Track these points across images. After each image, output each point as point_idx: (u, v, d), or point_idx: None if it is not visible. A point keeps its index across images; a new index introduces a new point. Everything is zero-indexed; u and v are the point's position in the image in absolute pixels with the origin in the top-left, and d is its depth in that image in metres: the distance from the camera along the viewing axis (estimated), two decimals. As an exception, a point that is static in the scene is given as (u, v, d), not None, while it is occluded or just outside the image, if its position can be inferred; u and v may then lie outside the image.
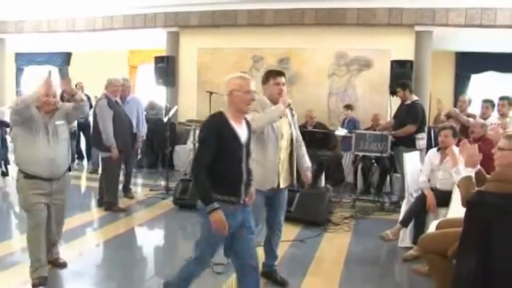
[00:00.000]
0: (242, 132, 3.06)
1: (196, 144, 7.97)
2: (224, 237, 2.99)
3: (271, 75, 3.87)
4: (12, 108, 3.70)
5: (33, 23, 10.90)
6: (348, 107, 8.47)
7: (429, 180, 5.04)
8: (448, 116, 6.84)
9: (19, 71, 14.69)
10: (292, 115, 3.98)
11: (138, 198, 7.05)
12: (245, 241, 3.09)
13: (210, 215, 2.86)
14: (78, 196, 6.87)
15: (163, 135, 7.81)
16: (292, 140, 3.83)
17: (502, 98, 6.28)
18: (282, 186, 3.81)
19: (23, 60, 14.60)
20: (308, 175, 4.00)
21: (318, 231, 5.45)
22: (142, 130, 6.92)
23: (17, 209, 6.57)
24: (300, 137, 4.02)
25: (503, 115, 6.17)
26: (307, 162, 4.00)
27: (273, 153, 3.68)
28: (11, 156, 8.02)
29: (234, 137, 2.99)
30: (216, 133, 2.92)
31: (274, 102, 3.75)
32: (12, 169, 8.14)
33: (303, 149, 4.02)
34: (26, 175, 3.73)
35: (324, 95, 9.03)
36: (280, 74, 3.91)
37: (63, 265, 4.20)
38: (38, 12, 10.56)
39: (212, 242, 3.07)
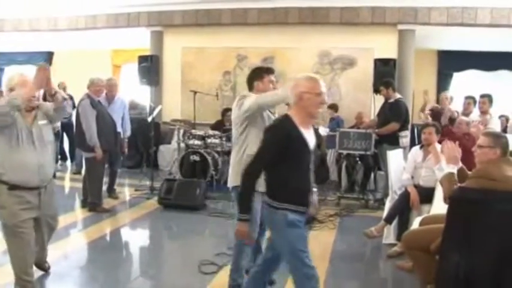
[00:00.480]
0: (311, 139, 2.87)
1: (181, 144, 8.02)
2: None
3: (267, 72, 3.80)
4: None
5: (13, 21, 10.74)
6: (331, 107, 8.53)
7: (412, 178, 5.10)
8: (432, 111, 6.97)
9: (-1, 70, 14.49)
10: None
11: (122, 199, 7.00)
12: None
13: (240, 222, 2.75)
14: (62, 197, 6.78)
15: (147, 134, 7.77)
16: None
17: (482, 96, 6.38)
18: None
19: (3, 59, 14.38)
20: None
21: (303, 229, 5.46)
22: (127, 131, 6.87)
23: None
24: None
25: (484, 112, 6.27)
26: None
27: None
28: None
29: (303, 143, 2.77)
30: (284, 137, 2.69)
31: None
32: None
33: None
34: (11, 186, 3.29)
35: (308, 93, 9.05)
36: (273, 71, 3.91)
37: (48, 268, 4.11)
38: (18, 10, 10.41)
39: (297, 250, 2.76)
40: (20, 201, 3.32)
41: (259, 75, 3.74)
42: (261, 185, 2.92)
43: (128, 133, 6.92)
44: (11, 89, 3.36)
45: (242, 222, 2.75)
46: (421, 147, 5.11)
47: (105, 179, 6.61)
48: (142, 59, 9.31)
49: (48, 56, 14.04)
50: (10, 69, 14.52)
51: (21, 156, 3.29)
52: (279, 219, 2.74)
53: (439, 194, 4.37)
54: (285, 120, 2.78)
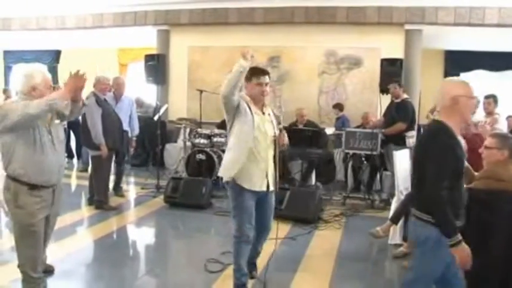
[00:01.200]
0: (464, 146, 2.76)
1: (188, 143, 8.04)
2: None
3: (255, 73, 3.60)
4: (26, 113, 3.08)
5: (21, 20, 10.81)
6: (336, 106, 8.51)
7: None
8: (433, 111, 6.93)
9: (7, 68, 14.56)
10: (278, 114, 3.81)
11: (129, 197, 7.04)
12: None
13: (454, 247, 2.41)
14: (69, 195, 6.81)
15: (153, 133, 7.79)
16: (275, 141, 3.64)
17: (487, 97, 6.35)
18: (272, 188, 3.66)
19: (12, 58, 14.47)
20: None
21: (309, 229, 5.47)
22: (135, 129, 6.90)
23: (6, 207, 6.52)
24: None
25: (489, 113, 6.24)
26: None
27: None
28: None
29: (463, 154, 2.58)
30: (452, 150, 2.47)
31: (256, 102, 3.60)
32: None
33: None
34: (31, 186, 3.28)
35: (314, 93, 9.05)
36: (264, 73, 3.65)
37: (52, 271, 4.07)
38: (26, 9, 10.47)
39: (428, 279, 2.64)
40: (38, 201, 3.32)
41: (248, 77, 3.58)
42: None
43: (136, 132, 6.93)
44: (33, 88, 3.31)
45: (460, 245, 2.42)
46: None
47: (112, 177, 6.65)
48: (149, 57, 9.34)
49: (56, 55, 14.13)
50: (18, 67, 14.62)
51: (44, 156, 3.29)
52: (432, 235, 2.50)
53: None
54: (445, 128, 2.53)
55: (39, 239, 3.42)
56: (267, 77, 3.62)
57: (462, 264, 2.46)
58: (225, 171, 3.58)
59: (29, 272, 3.42)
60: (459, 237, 2.40)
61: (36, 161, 3.25)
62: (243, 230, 3.57)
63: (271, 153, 3.63)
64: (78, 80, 3.27)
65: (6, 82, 13.97)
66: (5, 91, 9.70)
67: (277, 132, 3.68)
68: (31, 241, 3.38)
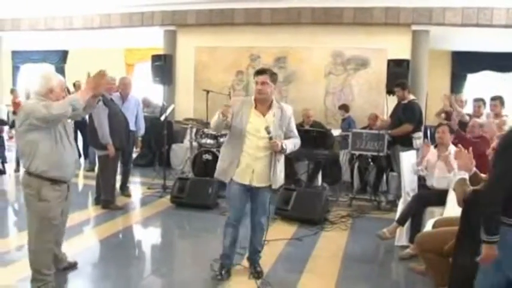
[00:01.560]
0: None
1: (194, 143, 8.05)
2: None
3: (255, 74, 3.85)
4: (50, 114, 3.28)
5: (30, 20, 10.88)
6: (342, 107, 8.50)
7: (425, 180, 5.09)
8: (445, 113, 6.92)
9: (15, 68, 14.67)
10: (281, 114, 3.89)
11: (135, 197, 7.06)
12: None
13: (488, 245, 2.50)
14: (76, 194, 6.80)
15: (160, 133, 7.80)
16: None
17: (494, 98, 6.34)
18: (256, 184, 3.86)
19: (20, 58, 14.58)
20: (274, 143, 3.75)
21: (315, 230, 5.46)
22: (141, 129, 6.92)
23: (16, 206, 6.59)
24: (293, 133, 4.02)
25: (497, 115, 6.22)
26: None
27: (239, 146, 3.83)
28: (8, 154, 8.01)
29: None
30: None
31: (261, 101, 3.83)
32: (10, 167, 8.15)
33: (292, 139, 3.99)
34: (53, 181, 3.47)
35: (320, 94, 9.04)
36: (259, 72, 3.83)
37: (75, 265, 4.15)
38: (35, 9, 10.54)
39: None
40: (58, 195, 3.54)
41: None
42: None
43: (142, 131, 6.97)
44: (51, 90, 3.48)
45: (493, 245, 2.50)
46: (435, 147, 5.09)
47: (118, 177, 6.68)
48: (156, 58, 9.36)
49: (63, 55, 14.23)
50: (26, 68, 14.73)
51: (62, 151, 3.49)
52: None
53: (452, 197, 4.35)
54: None
55: (57, 233, 3.63)
56: (262, 76, 3.77)
57: (485, 261, 2.53)
58: (221, 176, 4.00)
59: (43, 270, 3.53)
60: (498, 237, 2.47)
61: (57, 157, 3.46)
62: (230, 214, 4.01)
63: (263, 152, 3.81)
64: (100, 77, 3.47)
65: (14, 82, 14.07)
66: (13, 91, 9.74)
67: (279, 129, 3.85)
68: (50, 235, 3.56)
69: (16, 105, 8.93)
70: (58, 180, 3.50)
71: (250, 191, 3.93)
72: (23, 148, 3.45)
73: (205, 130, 7.81)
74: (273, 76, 3.83)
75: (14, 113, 8.82)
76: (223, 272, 4.01)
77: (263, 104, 3.82)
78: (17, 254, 4.55)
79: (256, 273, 4.09)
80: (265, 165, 3.83)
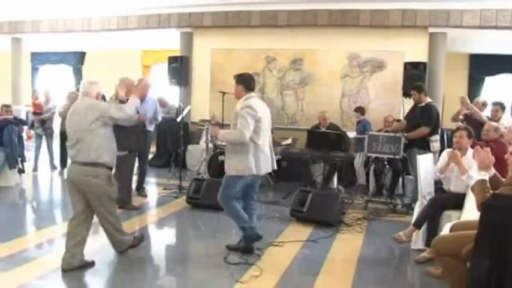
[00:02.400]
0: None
1: (210, 144, 8.09)
2: None
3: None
4: (126, 114, 4.11)
5: (49, 22, 11.05)
6: (358, 110, 8.46)
7: (442, 184, 5.05)
8: (464, 115, 6.85)
9: (34, 70, 14.90)
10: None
11: (151, 197, 7.12)
12: None
13: None
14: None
15: (176, 134, 7.86)
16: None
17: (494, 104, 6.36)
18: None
19: (39, 59, 14.81)
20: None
21: (330, 232, 5.45)
22: (158, 119, 7.05)
23: (35, 204, 6.69)
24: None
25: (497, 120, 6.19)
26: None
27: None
28: (27, 154, 8.13)
29: None
30: None
31: None
32: (28, 166, 8.27)
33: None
34: (110, 169, 4.18)
35: (336, 96, 9.02)
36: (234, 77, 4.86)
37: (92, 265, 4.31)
38: (54, 12, 10.70)
39: None
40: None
41: None
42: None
43: (159, 120, 7.11)
44: (99, 94, 4.24)
45: None
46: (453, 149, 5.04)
47: (134, 177, 6.75)
48: (172, 59, 9.42)
49: (81, 56, 14.42)
50: (44, 69, 14.95)
51: (114, 142, 4.20)
52: None
53: (470, 200, 4.32)
54: None
55: None
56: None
57: None
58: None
59: (118, 235, 4.39)
60: None
61: (113, 147, 4.17)
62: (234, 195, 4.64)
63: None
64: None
65: (33, 83, 14.28)
66: (34, 92, 9.91)
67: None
68: (114, 209, 4.35)
69: (36, 106, 9.08)
70: (111, 168, 4.22)
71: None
72: (90, 143, 3.94)
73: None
74: (239, 78, 4.95)
75: (35, 113, 8.98)
76: (247, 241, 4.66)
77: None
78: (35, 252, 4.63)
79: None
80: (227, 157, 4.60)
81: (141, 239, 4.77)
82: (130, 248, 4.53)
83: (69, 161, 4.27)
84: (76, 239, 4.09)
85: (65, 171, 8.62)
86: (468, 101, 6.82)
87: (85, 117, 3.93)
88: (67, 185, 4.19)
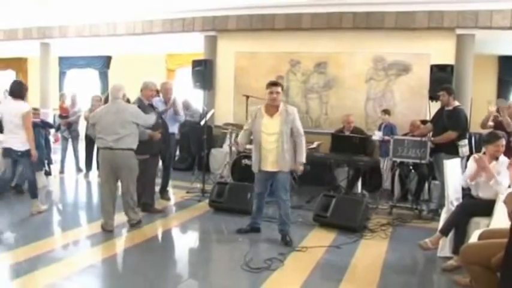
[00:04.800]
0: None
1: (233, 148, 8.08)
2: None
3: (269, 85, 5.09)
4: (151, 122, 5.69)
5: (76, 27, 11.24)
6: (386, 111, 8.31)
7: (469, 190, 4.92)
8: (493, 121, 6.63)
9: (62, 74, 15.17)
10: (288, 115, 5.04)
11: (174, 200, 7.15)
12: None
13: None
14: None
15: (200, 138, 7.87)
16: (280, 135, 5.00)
17: None
18: (271, 169, 5.10)
19: (66, 63, 15.09)
20: (298, 168, 5.15)
21: (354, 238, 5.37)
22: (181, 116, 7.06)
23: (61, 206, 6.79)
24: (298, 131, 5.10)
25: None
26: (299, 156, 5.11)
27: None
28: (53, 156, 8.26)
29: None
30: None
31: (271, 106, 5.07)
32: (55, 168, 8.41)
33: (299, 143, 5.11)
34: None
35: (361, 99, 8.91)
36: (275, 84, 5.13)
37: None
38: (81, 17, 10.89)
39: None
40: None
41: (266, 88, 5.12)
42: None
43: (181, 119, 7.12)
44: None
45: None
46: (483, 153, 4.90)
47: (158, 181, 6.78)
48: (196, 63, 9.43)
49: (107, 60, 14.63)
50: (71, 73, 15.23)
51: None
52: None
53: (500, 207, 4.19)
54: None
55: None
56: (275, 87, 5.06)
57: None
58: (253, 168, 5.32)
59: (134, 206, 5.57)
60: None
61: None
62: (256, 189, 5.41)
63: (272, 145, 5.04)
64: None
65: (61, 87, 14.55)
66: (61, 95, 10.08)
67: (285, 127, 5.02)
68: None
69: (63, 109, 9.24)
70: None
71: (270, 175, 5.16)
72: (126, 135, 5.26)
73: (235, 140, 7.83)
74: (282, 86, 5.30)
75: (61, 116, 9.14)
76: (247, 227, 5.50)
77: (272, 108, 5.07)
78: (62, 253, 4.70)
79: (286, 241, 5.09)
80: (275, 155, 5.04)
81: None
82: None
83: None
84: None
85: (90, 173, 8.76)
86: (498, 108, 6.59)
87: (121, 117, 5.25)
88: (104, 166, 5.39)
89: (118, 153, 5.27)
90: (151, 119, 5.63)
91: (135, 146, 5.38)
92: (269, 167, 5.11)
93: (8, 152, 5.87)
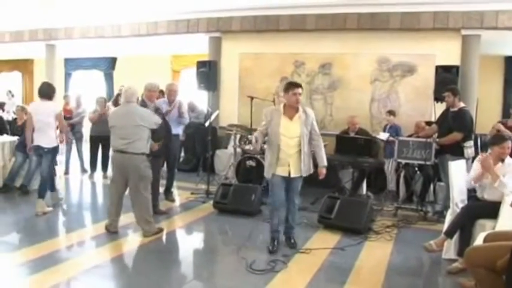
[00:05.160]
0: None
1: (238, 149, 8.09)
2: None
3: (291, 86, 4.78)
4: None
5: (81, 29, 11.27)
6: (391, 112, 8.28)
7: (475, 191, 4.89)
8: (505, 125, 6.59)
9: (67, 75, 15.23)
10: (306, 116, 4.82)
11: (178, 201, 7.15)
12: None
13: None
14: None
15: (204, 139, 7.88)
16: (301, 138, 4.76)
17: None
18: (292, 175, 4.82)
19: (71, 65, 15.14)
20: (322, 172, 4.95)
21: (359, 240, 5.35)
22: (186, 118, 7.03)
23: (65, 207, 6.82)
24: (317, 132, 4.93)
25: None
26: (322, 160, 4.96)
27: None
28: (59, 157, 8.27)
29: None
30: None
31: (290, 107, 4.79)
32: (60, 169, 8.43)
33: (319, 146, 4.95)
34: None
35: (366, 100, 8.88)
36: (297, 85, 4.82)
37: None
38: (86, 19, 10.92)
39: None
40: None
41: (286, 89, 4.83)
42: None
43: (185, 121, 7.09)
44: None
45: None
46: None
47: (162, 182, 6.79)
48: (201, 64, 9.46)
49: (112, 62, 14.67)
50: (77, 74, 15.29)
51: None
52: None
53: (505, 210, 4.17)
54: None
55: None
56: (299, 88, 4.77)
57: None
58: (267, 174, 4.97)
59: (147, 217, 5.33)
60: None
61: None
62: (273, 200, 4.99)
63: (294, 149, 4.78)
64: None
65: (66, 88, 14.61)
66: (65, 97, 10.12)
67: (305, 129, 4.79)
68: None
69: (67, 111, 9.27)
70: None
71: (287, 180, 4.86)
72: (137, 139, 5.17)
73: (249, 136, 7.82)
74: (302, 89, 4.90)
75: (65, 118, 9.15)
76: (275, 243, 4.94)
77: (291, 109, 4.80)
78: (67, 254, 4.72)
79: (291, 243, 5.02)
80: (297, 159, 4.80)
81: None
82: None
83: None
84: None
85: (95, 174, 8.79)
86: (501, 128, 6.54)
87: (132, 121, 5.19)
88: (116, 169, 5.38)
89: (128, 156, 5.20)
90: (157, 119, 5.50)
91: (146, 151, 5.30)
92: (292, 172, 4.80)
93: (36, 148, 6.29)
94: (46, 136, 6.20)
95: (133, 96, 5.41)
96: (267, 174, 4.89)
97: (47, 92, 6.28)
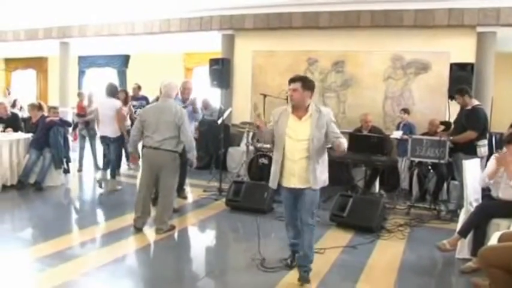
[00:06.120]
0: None
1: (250, 147, 8.09)
2: None
3: (289, 82, 4.08)
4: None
5: (95, 27, 11.37)
6: (405, 110, 8.21)
7: (489, 190, 4.84)
8: None
9: (81, 73, 15.37)
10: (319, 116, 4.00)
11: (191, 199, 7.18)
12: None
13: None
14: (132, 194, 7.05)
15: (217, 136, 7.90)
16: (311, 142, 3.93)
17: None
18: (297, 186, 4.01)
19: (85, 62, 15.28)
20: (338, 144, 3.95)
21: (371, 238, 5.33)
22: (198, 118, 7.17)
23: (78, 205, 6.88)
24: (336, 134, 4.03)
25: None
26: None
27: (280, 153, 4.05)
28: (72, 155, 8.36)
29: None
30: None
31: (298, 106, 4.02)
32: (73, 166, 8.51)
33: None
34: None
35: (379, 98, 8.82)
36: (293, 80, 4.04)
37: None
38: (99, 17, 11.01)
39: None
40: None
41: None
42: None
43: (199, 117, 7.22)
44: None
45: None
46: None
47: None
48: (214, 62, 9.48)
49: (125, 59, 14.77)
50: (90, 72, 15.41)
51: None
52: None
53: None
54: None
55: None
56: (293, 84, 4.01)
57: None
58: (271, 184, 4.22)
59: (167, 219, 5.41)
60: None
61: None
62: (285, 216, 4.41)
63: (301, 155, 3.96)
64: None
65: (80, 86, 14.74)
66: (80, 94, 10.20)
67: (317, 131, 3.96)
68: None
69: (81, 108, 9.35)
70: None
71: (295, 193, 4.06)
72: (170, 137, 5.16)
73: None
74: (307, 83, 4.03)
75: (79, 115, 9.24)
76: (292, 257, 4.38)
77: (298, 109, 4.02)
78: (79, 250, 4.76)
79: (303, 277, 4.02)
80: (304, 167, 3.96)
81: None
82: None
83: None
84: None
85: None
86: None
87: (167, 118, 5.16)
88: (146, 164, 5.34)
89: (161, 152, 5.18)
90: (190, 133, 5.44)
91: (179, 149, 5.30)
92: (294, 182, 4.00)
93: (103, 138, 7.42)
94: (111, 127, 7.23)
95: (173, 91, 5.43)
96: (271, 183, 4.16)
97: (110, 90, 7.42)
